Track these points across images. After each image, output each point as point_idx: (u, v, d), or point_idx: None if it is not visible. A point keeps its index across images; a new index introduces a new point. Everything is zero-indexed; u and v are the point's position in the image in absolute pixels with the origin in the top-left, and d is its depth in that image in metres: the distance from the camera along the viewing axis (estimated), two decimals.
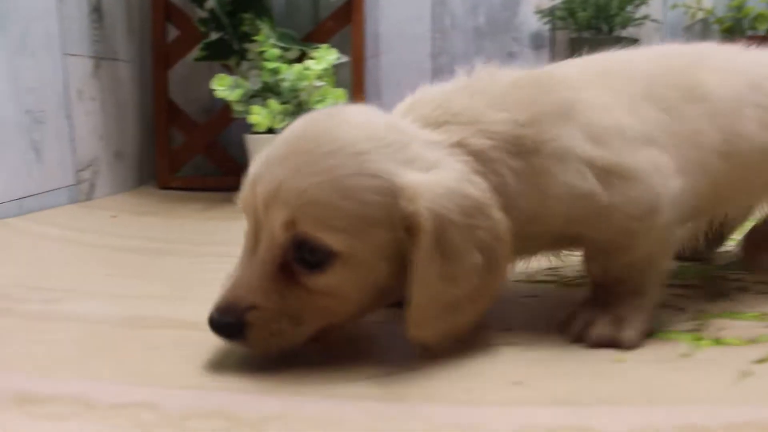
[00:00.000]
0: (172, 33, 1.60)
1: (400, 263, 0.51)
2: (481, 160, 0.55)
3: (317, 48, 1.41)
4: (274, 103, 1.28)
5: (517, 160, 0.55)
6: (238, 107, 1.32)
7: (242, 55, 1.42)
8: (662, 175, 0.57)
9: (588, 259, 0.61)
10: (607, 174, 0.55)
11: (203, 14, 1.46)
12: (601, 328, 0.56)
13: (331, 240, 0.50)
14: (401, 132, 0.54)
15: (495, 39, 1.66)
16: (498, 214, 0.53)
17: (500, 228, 0.53)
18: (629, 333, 0.56)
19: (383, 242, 0.51)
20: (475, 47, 1.66)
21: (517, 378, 0.51)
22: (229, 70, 1.53)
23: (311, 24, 1.64)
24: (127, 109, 1.54)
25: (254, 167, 0.54)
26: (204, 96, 1.59)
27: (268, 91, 1.34)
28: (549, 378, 0.51)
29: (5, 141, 1.11)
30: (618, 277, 0.59)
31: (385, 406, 0.47)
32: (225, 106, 1.60)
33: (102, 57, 1.41)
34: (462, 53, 1.66)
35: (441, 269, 0.50)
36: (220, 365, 0.53)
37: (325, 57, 1.32)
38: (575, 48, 1.24)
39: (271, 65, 1.31)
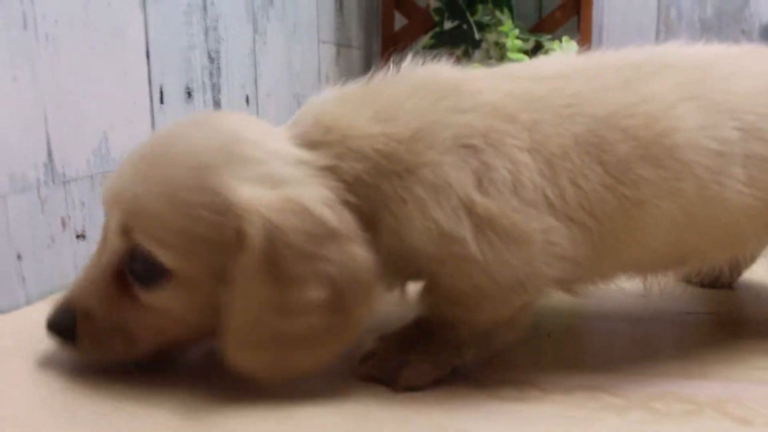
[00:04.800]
0: (399, 21, 1.64)
1: None
2: (352, 188, 0.47)
3: (549, 39, 1.42)
4: None
5: (387, 182, 0.47)
6: None
7: (476, 44, 1.43)
8: (550, 252, 0.47)
9: (426, 292, 0.51)
10: (487, 225, 0.46)
11: (436, 4, 1.49)
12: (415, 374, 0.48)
13: (163, 256, 0.45)
14: (264, 149, 0.47)
15: (722, 32, 1.60)
16: (359, 251, 0.45)
17: (357, 267, 0.45)
18: (410, 371, 0.49)
19: (217, 264, 0.45)
20: (700, 41, 1.60)
21: None
22: (457, 60, 1.55)
23: (533, 13, 1.63)
24: None
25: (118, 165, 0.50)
26: None
27: None
28: None
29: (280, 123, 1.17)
30: (447, 323, 0.50)
31: None
32: None
33: (341, 44, 1.47)
34: None
35: (270, 295, 0.44)
36: None
37: (570, 49, 1.32)
38: None
39: (514, 56, 1.33)
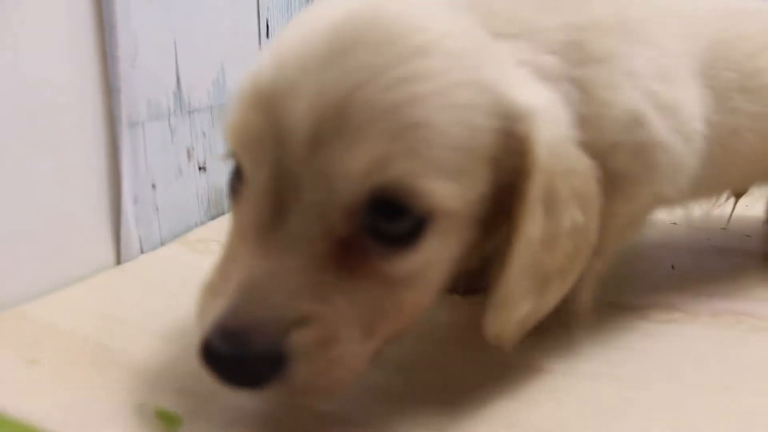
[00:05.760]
0: None
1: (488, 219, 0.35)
2: (549, 82, 0.38)
3: None
4: None
5: (578, 68, 0.40)
6: None
7: None
8: (695, 150, 0.46)
9: None
10: (665, 108, 0.43)
11: None
12: None
13: (438, 190, 0.31)
14: (483, 35, 0.37)
15: None
16: (584, 156, 0.37)
17: (590, 173, 0.37)
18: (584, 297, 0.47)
19: (487, 189, 0.34)
20: None
21: None
22: None
23: None
24: None
25: (262, 72, 0.32)
26: None
27: None
28: None
29: None
30: None
31: None
32: None
33: None
34: None
35: (544, 228, 0.35)
36: None
37: None
38: None
39: None
